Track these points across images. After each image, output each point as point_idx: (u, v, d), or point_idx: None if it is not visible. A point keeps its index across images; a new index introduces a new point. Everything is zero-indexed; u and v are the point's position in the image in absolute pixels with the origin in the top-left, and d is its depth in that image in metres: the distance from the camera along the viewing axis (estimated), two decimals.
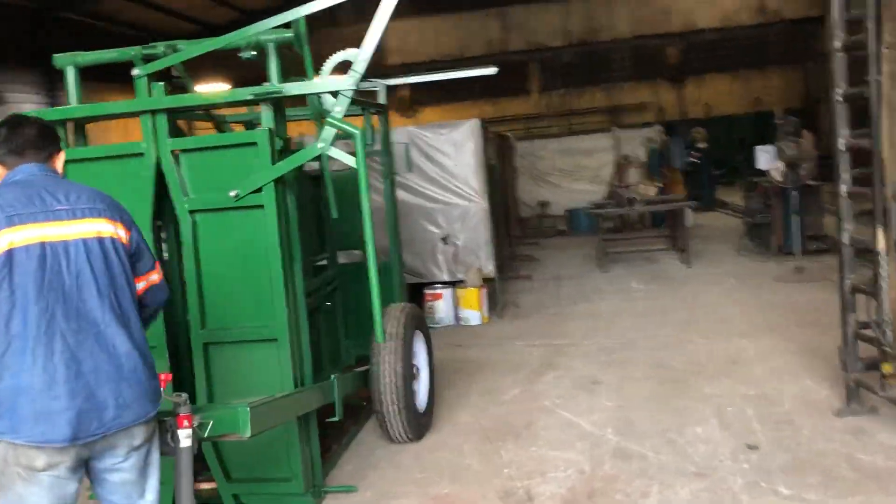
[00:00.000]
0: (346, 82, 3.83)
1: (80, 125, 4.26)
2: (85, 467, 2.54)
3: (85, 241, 2.50)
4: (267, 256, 3.95)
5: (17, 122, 2.74)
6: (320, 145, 3.84)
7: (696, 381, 5.79)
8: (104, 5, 24.05)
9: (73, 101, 4.17)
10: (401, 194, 8.68)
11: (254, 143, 3.91)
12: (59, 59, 4.17)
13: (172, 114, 4.04)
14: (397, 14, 3.93)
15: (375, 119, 6.24)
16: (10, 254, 2.39)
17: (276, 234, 3.93)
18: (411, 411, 4.80)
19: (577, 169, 17.10)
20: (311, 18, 3.95)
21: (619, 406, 5.41)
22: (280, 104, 4.09)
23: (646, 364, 6.32)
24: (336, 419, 4.29)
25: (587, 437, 4.88)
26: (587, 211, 13.59)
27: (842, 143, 4.60)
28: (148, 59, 4.10)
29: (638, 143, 16.86)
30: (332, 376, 4.26)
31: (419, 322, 5.20)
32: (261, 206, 3.92)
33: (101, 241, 2.54)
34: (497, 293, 8.84)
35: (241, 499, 4.18)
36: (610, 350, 6.85)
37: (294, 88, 3.86)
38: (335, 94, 3.88)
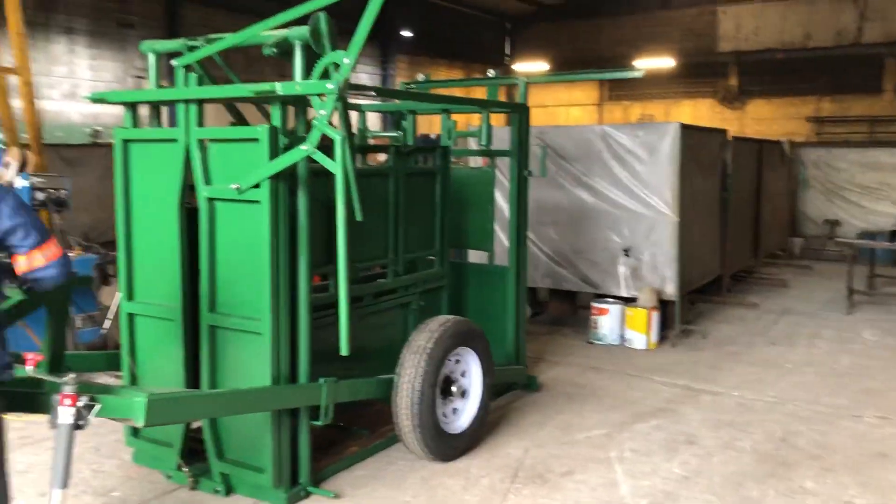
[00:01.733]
0: (329, 86, 3.69)
1: (156, 107, 4.65)
2: None
3: None
4: (258, 251, 4.01)
5: None
6: (304, 147, 3.77)
7: (805, 469, 4.75)
8: None
9: (152, 84, 4.57)
10: (585, 197, 8.27)
11: (255, 139, 3.96)
12: (143, 45, 4.58)
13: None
14: None
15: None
16: None
17: (267, 230, 3.96)
18: (429, 430, 4.57)
19: (881, 187, 14.63)
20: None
21: (684, 476, 4.63)
22: (301, 102, 4.08)
23: (768, 434, 5.32)
24: (318, 423, 4.24)
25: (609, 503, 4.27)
26: (843, 239, 11.59)
27: None
28: (191, 49, 4.32)
29: None
30: (322, 379, 4.20)
31: (466, 339, 4.90)
32: (258, 202, 3.98)
33: None
34: (676, 318, 7.98)
35: (230, 480, 4.35)
36: (747, 408, 5.86)
37: (286, 88, 3.82)
38: (321, 95, 3.76)
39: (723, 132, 9.93)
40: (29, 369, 3.13)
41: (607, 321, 7.86)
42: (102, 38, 18.75)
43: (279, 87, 3.83)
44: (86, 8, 18.33)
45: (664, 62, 30.71)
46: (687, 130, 8.14)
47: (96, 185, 11.63)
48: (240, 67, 4.86)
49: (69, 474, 3.12)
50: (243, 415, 4.16)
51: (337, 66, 3.78)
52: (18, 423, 5.09)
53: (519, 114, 6.04)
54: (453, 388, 4.89)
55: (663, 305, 8.06)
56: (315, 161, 3.88)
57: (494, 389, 5.90)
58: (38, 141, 7.38)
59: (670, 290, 7.96)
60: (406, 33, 28.19)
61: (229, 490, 4.32)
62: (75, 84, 18.40)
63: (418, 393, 4.50)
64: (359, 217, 4.14)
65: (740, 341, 8.01)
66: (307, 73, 4.01)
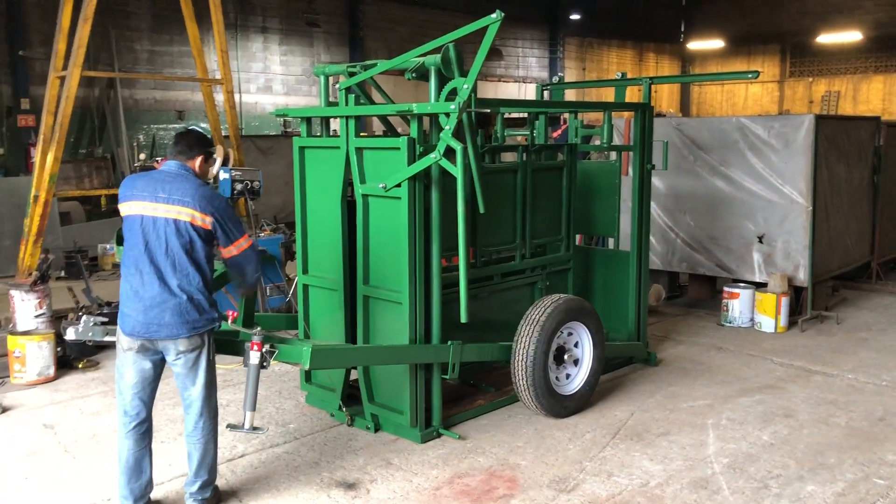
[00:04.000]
0: (451, 107, 4.57)
1: (325, 120, 5.73)
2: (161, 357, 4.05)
3: (166, 219, 3.91)
4: (399, 238, 4.99)
5: (183, 133, 4.27)
6: (433, 155, 4.68)
7: (892, 444, 5.14)
8: None
9: (322, 103, 5.65)
10: (721, 185, 8.68)
11: (397, 148, 4.93)
12: (316, 69, 5.67)
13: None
14: None
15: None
16: (127, 217, 3.97)
17: (405, 221, 4.92)
18: (541, 389, 5.40)
19: None
20: None
21: (770, 443, 5.17)
22: (435, 117, 4.98)
23: (867, 413, 5.69)
24: (446, 377, 5.18)
25: (694, 460, 4.92)
26: None
27: None
28: (351, 74, 5.33)
29: None
30: (450, 342, 5.13)
31: (577, 315, 5.64)
32: (399, 198, 4.95)
33: (176, 221, 3.91)
34: (806, 303, 8.23)
35: (378, 419, 5.40)
36: (856, 389, 6.21)
37: (419, 108, 4.74)
38: (447, 114, 4.64)
39: (874, 119, 9.86)
40: (229, 323, 4.28)
41: (738, 304, 8.27)
42: (292, 36, 20.71)
43: (415, 107, 4.77)
44: (278, 9, 20.32)
45: (850, 35, 29.05)
46: (825, 121, 8.32)
47: (286, 170, 13.23)
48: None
49: (256, 400, 4.26)
50: (389, 366, 5.20)
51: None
52: (222, 370, 6.45)
53: (642, 112, 6.64)
54: (566, 357, 5.68)
55: (797, 291, 8.36)
56: None
57: (614, 362, 6.66)
58: (237, 139, 8.84)
59: (802, 276, 8.23)
60: (575, 16, 28.55)
61: (377, 428, 5.38)
62: (269, 78, 20.51)
63: (531, 357, 5.34)
64: (482, 210, 5.03)
65: (875, 328, 8.15)
66: (439, 92, 4.92)
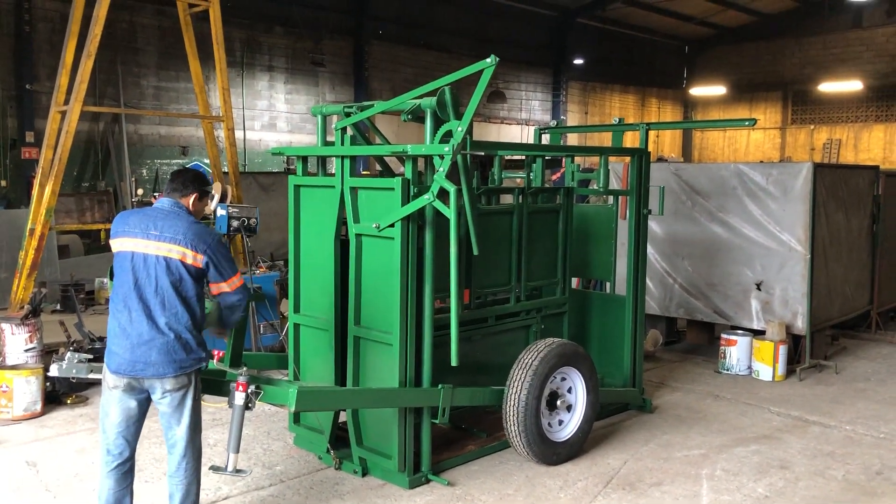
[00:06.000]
0: (445, 149, 4.57)
1: (322, 159, 5.74)
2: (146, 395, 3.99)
3: (157, 257, 3.89)
4: (391, 278, 4.95)
5: (181, 170, 4.27)
6: (427, 196, 4.67)
7: (889, 500, 5.02)
8: (615, 11, 26.66)
9: (319, 142, 5.66)
10: (719, 231, 8.66)
11: (392, 189, 4.92)
12: (313, 109, 5.69)
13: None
14: None
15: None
16: (118, 253, 3.94)
17: (398, 261, 4.89)
18: (533, 436, 5.31)
19: None
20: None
21: (765, 496, 5.06)
22: (430, 159, 4.98)
23: (865, 466, 5.58)
24: (436, 421, 5.10)
25: None
26: None
27: None
28: (347, 114, 5.35)
29: None
30: (440, 386, 5.06)
31: (571, 360, 5.58)
32: (392, 238, 4.93)
33: (168, 259, 3.89)
34: (804, 352, 8.15)
35: (366, 463, 5.31)
36: (853, 441, 6.10)
37: (413, 150, 4.75)
38: (442, 156, 4.64)
39: (874, 168, 9.87)
40: (215, 363, 4.23)
41: (735, 352, 8.19)
42: (297, 75, 20.90)
43: (409, 149, 4.77)
44: (284, 48, 20.55)
45: (851, 85, 29.31)
46: (823, 169, 8.33)
47: (286, 208, 13.27)
48: None
49: (240, 442, 4.19)
50: (378, 409, 5.12)
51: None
52: (212, 409, 6.38)
53: (639, 157, 6.65)
54: (558, 402, 5.59)
55: (795, 339, 8.28)
56: None
57: (608, 408, 6.56)
58: (236, 176, 8.87)
59: (801, 324, 8.15)
60: (578, 60, 28.81)
61: (365, 472, 5.29)
62: (274, 116, 20.67)
63: (523, 403, 5.26)
64: (475, 252, 5.00)
65: (874, 378, 8.05)
66: (434, 134, 4.92)
